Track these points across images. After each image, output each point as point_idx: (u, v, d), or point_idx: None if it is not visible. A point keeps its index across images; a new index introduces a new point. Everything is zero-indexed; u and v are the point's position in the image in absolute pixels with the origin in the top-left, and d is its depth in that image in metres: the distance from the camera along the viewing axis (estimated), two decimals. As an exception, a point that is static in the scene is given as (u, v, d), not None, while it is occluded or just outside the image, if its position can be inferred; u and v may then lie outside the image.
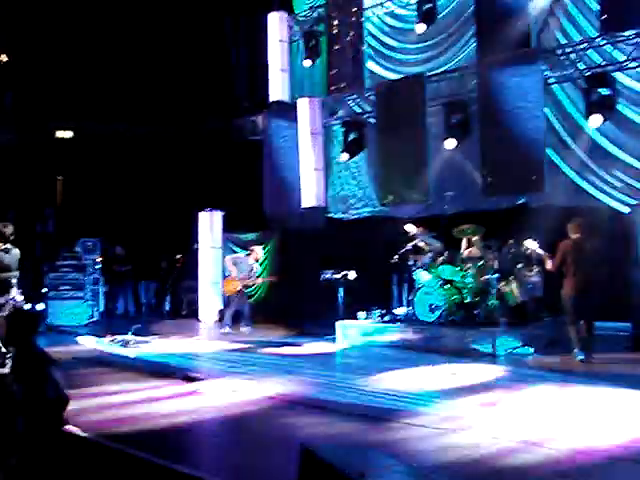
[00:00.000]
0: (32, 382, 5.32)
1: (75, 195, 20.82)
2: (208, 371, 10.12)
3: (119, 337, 13.12)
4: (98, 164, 20.30)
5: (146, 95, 19.34)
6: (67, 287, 16.72)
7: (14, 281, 10.04)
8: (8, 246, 10.07)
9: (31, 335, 5.72)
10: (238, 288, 14.75)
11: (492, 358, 10.83)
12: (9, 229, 10.13)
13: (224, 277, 16.29)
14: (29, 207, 19.30)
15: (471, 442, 6.25)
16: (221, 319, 15.87)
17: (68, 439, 5.45)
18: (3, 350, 9.19)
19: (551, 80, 12.83)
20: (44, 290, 16.34)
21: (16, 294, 10.06)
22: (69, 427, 5.54)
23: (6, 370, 9.90)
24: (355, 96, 15.87)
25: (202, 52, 18.28)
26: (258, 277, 15.50)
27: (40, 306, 15.24)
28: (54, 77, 19.58)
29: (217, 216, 17.82)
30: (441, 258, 12.75)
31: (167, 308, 18.97)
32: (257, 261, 15.27)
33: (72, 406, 5.46)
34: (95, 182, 20.33)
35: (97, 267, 17.56)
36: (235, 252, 16.95)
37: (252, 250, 15.40)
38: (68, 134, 20.88)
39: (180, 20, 18.63)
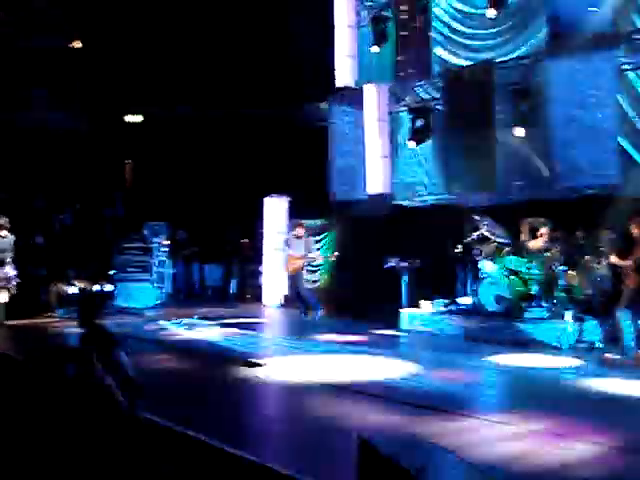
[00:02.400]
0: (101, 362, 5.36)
1: (143, 179, 21.15)
2: (269, 356, 10.16)
3: (185, 320, 13.31)
4: (166, 148, 20.57)
5: (213, 80, 19.48)
6: (134, 269, 16.84)
7: (8, 259, 12.92)
8: (3, 233, 12.88)
9: (99, 316, 5.78)
10: (300, 264, 14.07)
11: (557, 351, 10.67)
12: (3, 220, 12.91)
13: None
14: (99, 191, 19.70)
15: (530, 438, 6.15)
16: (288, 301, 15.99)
17: (140, 425, 5.45)
18: None
19: (625, 67, 12.45)
20: (112, 272, 16.65)
21: (9, 269, 12.90)
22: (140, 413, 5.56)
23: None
24: (422, 82, 15.68)
25: (269, 37, 18.31)
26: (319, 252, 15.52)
27: (108, 287, 15.59)
28: (124, 62, 19.89)
29: (282, 202, 17.88)
30: (507, 248, 12.55)
31: (232, 292, 19.16)
32: (299, 238, 14.24)
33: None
34: (163, 166, 20.61)
35: (163, 250, 17.81)
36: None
37: (296, 226, 14.76)
38: (137, 118, 21.19)
39: (247, 5, 18.69)
